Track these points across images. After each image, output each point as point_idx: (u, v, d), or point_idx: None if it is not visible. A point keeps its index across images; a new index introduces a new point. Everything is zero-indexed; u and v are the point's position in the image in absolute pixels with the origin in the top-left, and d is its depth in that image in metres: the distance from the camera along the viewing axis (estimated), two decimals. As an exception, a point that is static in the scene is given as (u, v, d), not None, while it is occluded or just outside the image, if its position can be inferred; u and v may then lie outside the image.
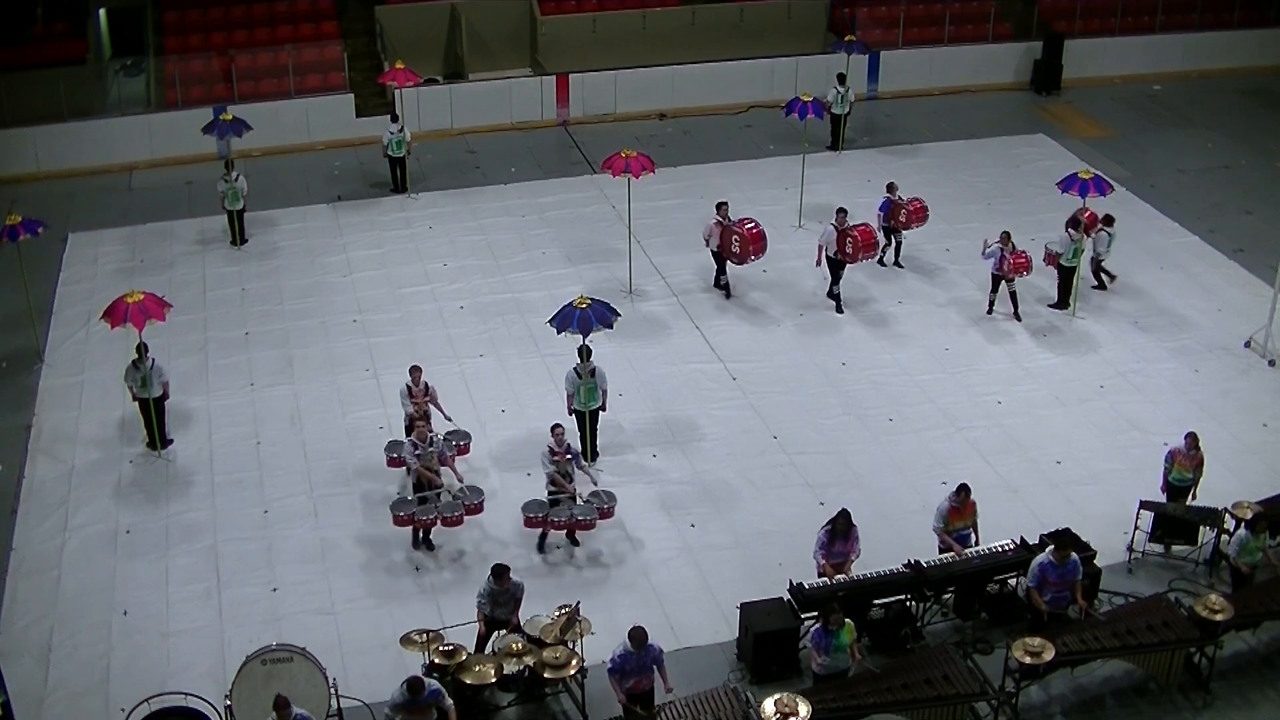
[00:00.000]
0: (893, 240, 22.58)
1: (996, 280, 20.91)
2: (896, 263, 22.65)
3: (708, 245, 21.63)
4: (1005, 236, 20.67)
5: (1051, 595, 14.10)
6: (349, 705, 13.30)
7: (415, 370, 17.32)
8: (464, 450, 17.11)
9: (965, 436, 18.37)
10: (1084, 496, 17.09)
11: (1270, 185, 26.19)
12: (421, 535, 16.14)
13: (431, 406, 17.32)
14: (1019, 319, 20.96)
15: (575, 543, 16.24)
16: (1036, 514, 16.51)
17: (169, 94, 27.72)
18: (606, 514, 16.14)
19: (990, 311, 21.13)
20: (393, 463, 16.86)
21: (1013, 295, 21.02)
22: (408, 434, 16.63)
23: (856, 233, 20.91)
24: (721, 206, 21.42)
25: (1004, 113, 29.96)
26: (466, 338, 20.81)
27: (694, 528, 16.47)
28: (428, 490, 16.09)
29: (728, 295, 21.73)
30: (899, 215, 22.11)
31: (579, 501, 16.04)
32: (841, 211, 21.05)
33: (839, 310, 21.28)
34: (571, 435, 17.73)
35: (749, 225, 21.17)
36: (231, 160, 23.80)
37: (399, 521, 15.89)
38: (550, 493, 16.09)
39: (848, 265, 21.27)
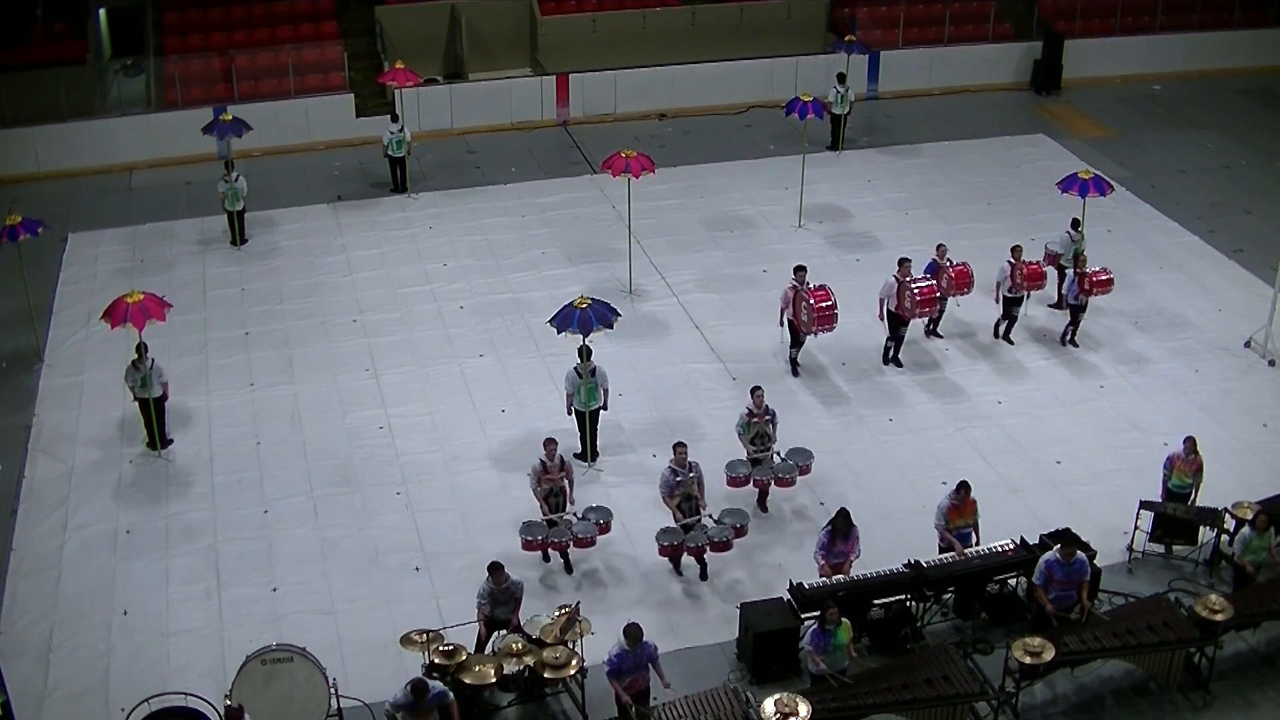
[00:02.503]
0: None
1: (1073, 310, 20.18)
2: (934, 331, 20.63)
3: (783, 315, 19.44)
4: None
5: (1056, 594, 14.10)
6: (349, 705, 13.30)
7: (550, 444, 15.68)
8: (605, 529, 15.73)
9: (965, 436, 18.37)
10: (1084, 496, 17.09)
11: (1270, 185, 26.19)
12: (697, 562, 15.60)
13: (566, 482, 15.81)
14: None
15: (764, 509, 16.71)
16: (1036, 514, 16.51)
17: (169, 94, 27.72)
18: (805, 470, 16.73)
19: (1068, 342, 20.41)
20: (529, 545, 15.47)
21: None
22: (549, 511, 15.62)
23: (918, 289, 19.20)
24: (799, 271, 19.22)
25: (1004, 113, 29.96)
26: (466, 338, 20.81)
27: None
28: (690, 516, 15.55)
29: (795, 372, 19.77)
30: (941, 280, 19.96)
31: (778, 460, 16.62)
32: (904, 262, 19.42)
33: (898, 364, 19.89)
34: (571, 435, 17.79)
35: (821, 300, 18.83)
36: (231, 160, 23.79)
37: (664, 551, 15.38)
38: (751, 453, 16.54)
39: (908, 322, 19.70)
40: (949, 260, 20.08)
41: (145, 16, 29.24)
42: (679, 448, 15.64)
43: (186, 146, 26.38)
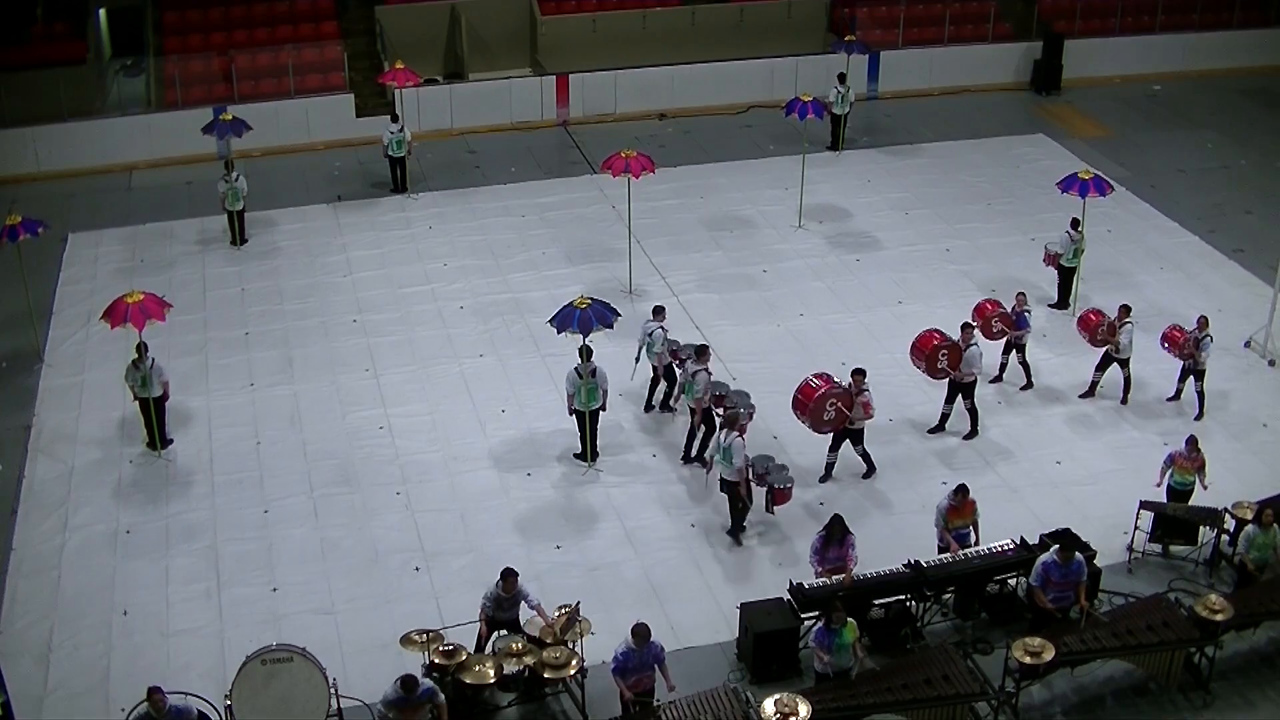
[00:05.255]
0: (1010, 357, 19.38)
1: (1185, 371, 18.69)
2: (1026, 380, 19.37)
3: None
4: (1203, 322, 18.49)
5: (1054, 595, 14.10)
6: (349, 705, 13.30)
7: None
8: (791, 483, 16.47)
9: (965, 436, 18.37)
10: (1084, 496, 17.09)
11: (1270, 185, 26.18)
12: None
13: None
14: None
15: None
16: (1036, 514, 16.51)
17: (169, 94, 27.73)
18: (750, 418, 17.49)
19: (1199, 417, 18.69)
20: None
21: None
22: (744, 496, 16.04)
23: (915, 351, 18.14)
24: (858, 375, 17.10)
25: (1004, 113, 29.96)
26: (466, 338, 20.81)
27: (694, 527, 16.46)
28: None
29: (870, 472, 17.61)
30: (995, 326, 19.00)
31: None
32: (966, 327, 18.08)
33: (941, 427, 18.43)
34: (571, 435, 17.80)
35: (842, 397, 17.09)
36: (231, 160, 23.80)
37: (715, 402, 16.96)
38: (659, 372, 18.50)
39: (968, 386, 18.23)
40: (1027, 310, 19.19)
41: (145, 16, 29.25)
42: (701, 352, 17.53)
43: (186, 146, 26.39)
